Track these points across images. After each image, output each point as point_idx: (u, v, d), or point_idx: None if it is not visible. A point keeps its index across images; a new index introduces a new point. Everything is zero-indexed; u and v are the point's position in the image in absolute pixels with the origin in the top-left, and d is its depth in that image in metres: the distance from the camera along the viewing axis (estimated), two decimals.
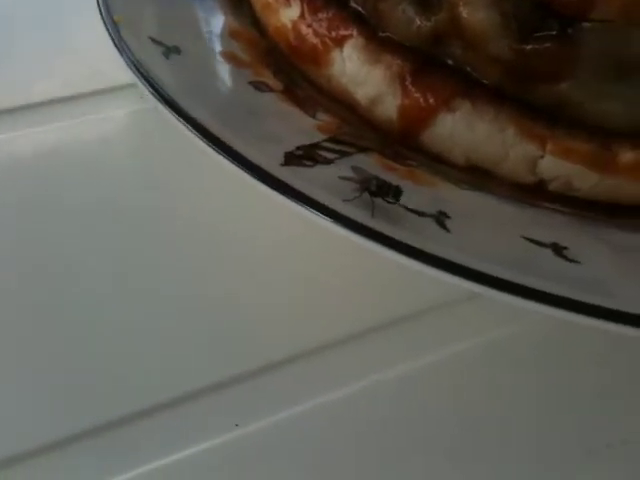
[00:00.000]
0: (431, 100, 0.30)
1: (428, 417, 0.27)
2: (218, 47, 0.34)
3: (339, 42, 0.32)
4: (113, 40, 0.32)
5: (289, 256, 0.31)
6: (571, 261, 0.25)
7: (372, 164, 0.29)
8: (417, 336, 0.29)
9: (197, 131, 0.27)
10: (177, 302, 0.30)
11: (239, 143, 0.27)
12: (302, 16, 0.34)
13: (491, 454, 0.26)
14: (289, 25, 0.34)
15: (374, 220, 0.25)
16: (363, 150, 0.29)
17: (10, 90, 0.38)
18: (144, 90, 0.29)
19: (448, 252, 0.24)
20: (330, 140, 0.29)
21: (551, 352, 0.29)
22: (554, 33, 0.28)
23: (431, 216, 0.26)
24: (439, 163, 0.31)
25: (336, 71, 0.32)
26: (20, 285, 0.30)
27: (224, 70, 0.32)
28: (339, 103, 0.33)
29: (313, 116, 0.31)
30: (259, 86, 0.32)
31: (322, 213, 0.24)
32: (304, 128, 0.30)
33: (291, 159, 0.27)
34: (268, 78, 0.33)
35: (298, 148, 0.28)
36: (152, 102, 0.29)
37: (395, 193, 0.26)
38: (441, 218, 0.26)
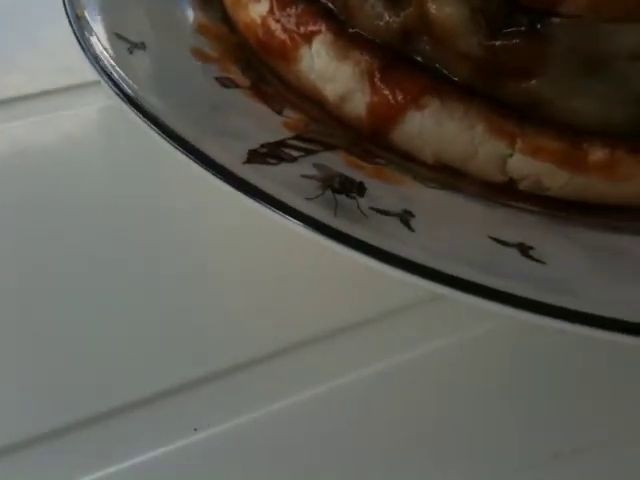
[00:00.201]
0: (400, 97, 0.30)
1: (393, 419, 0.26)
2: (185, 43, 0.33)
3: (307, 38, 0.32)
4: (76, 36, 0.31)
5: (253, 256, 0.31)
6: (537, 261, 0.24)
7: (338, 162, 0.28)
8: (380, 339, 0.28)
9: (158, 128, 0.27)
10: (137, 301, 0.29)
11: (201, 140, 0.27)
12: (271, 11, 0.33)
13: (455, 456, 0.26)
14: (258, 21, 0.33)
15: (336, 219, 0.24)
16: (330, 148, 0.29)
17: None
18: (106, 87, 0.29)
19: (410, 252, 0.23)
20: (296, 138, 0.29)
21: (517, 354, 0.28)
22: (523, 29, 0.27)
23: (396, 215, 0.25)
24: (409, 161, 0.30)
25: (305, 67, 0.32)
26: None
27: (190, 66, 0.32)
28: (308, 100, 0.32)
29: (280, 113, 0.31)
30: (225, 82, 0.31)
31: (282, 212, 0.24)
32: (270, 125, 0.30)
33: (254, 157, 0.27)
34: (235, 74, 0.32)
35: (262, 146, 0.27)
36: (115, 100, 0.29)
37: (359, 189, 0.26)
38: (405, 217, 0.25)
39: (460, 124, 0.29)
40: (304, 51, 0.32)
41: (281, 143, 0.28)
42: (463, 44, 0.28)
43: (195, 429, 0.26)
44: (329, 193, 0.25)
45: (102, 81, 0.29)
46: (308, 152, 0.28)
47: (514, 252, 0.24)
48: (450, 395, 0.27)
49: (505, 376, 0.28)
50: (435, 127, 0.29)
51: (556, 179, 0.29)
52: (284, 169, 0.27)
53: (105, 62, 0.29)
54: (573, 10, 0.26)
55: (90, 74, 0.29)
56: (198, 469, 0.25)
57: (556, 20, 0.27)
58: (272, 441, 0.25)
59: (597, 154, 0.28)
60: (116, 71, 0.29)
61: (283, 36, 0.33)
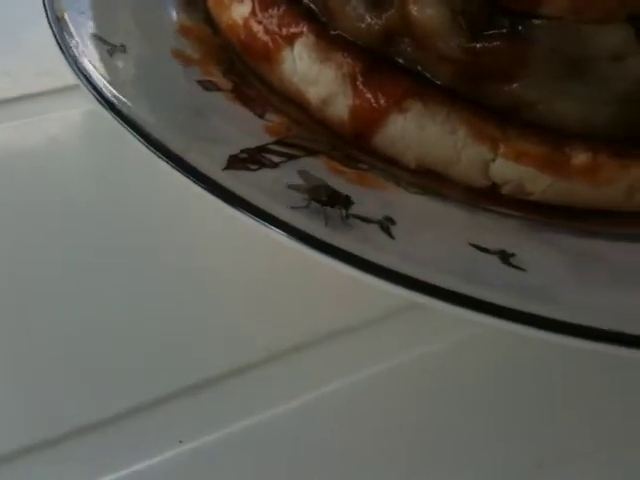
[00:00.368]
0: (382, 101, 0.29)
1: (377, 427, 0.26)
2: (167, 45, 0.33)
3: (290, 40, 0.31)
4: (56, 38, 0.31)
5: (234, 264, 0.31)
6: (517, 268, 0.24)
7: (319, 167, 0.28)
8: (362, 347, 0.28)
9: (136, 133, 0.26)
10: (120, 312, 0.29)
11: (181, 146, 0.26)
12: (253, 13, 0.33)
13: (438, 465, 0.26)
14: (240, 22, 0.33)
15: (314, 226, 0.24)
16: (311, 153, 0.29)
17: None
18: (85, 91, 0.29)
19: (390, 260, 0.23)
20: (278, 143, 0.29)
21: (500, 361, 0.28)
22: (504, 31, 0.27)
23: (376, 222, 0.25)
24: (392, 165, 0.30)
25: (287, 70, 0.32)
26: None
27: (171, 68, 0.31)
28: (292, 102, 0.32)
29: (262, 117, 0.30)
30: (207, 85, 0.31)
31: (261, 219, 0.24)
32: (252, 129, 0.29)
33: (234, 162, 0.26)
34: (217, 77, 0.32)
35: (243, 151, 0.27)
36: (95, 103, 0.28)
37: (345, 203, 0.25)
38: (386, 224, 0.25)
39: (442, 128, 0.29)
40: (286, 53, 0.32)
41: (262, 148, 0.28)
42: (444, 46, 0.28)
43: (180, 441, 0.25)
44: (314, 204, 0.25)
45: (81, 85, 0.28)
46: (290, 157, 0.28)
47: (495, 259, 0.24)
48: (433, 403, 0.27)
49: (488, 384, 0.28)
50: (417, 131, 0.29)
51: (539, 183, 0.28)
52: (264, 175, 0.26)
53: (84, 65, 0.29)
54: (554, 12, 0.26)
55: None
56: None
57: (537, 22, 0.27)
58: (256, 452, 0.25)
59: (579, 158, 0.28)
60: (95, 75, 0.29)
61: (265, 38, 0.32)
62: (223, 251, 0.31)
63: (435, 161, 0.29)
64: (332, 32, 0.31)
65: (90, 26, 0.32)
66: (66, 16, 0.32)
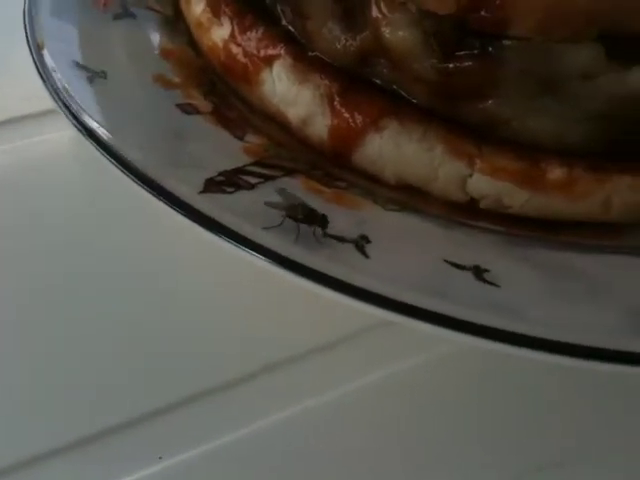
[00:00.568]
0: (359, 120, 0.30)
1: (355, 443, 0.27)
2: (148, 69, 0.33)
3: (268, 61, 0.32)
4: (36, 65, 0.31)
5: (203, 283, 0.31)
6: (491, 284, 0.24)
7: (297, 187, 0.28)
8: (337, 364, 0.28)
9: (114, 160, 0.27)
10: (99, 330, 0.29)
11: (157, 170, 0.27)
12: (232, 35, 0.33)
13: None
14: (220, 44, 0.34)
15: (293, 246, 0.24)
16: (289, 173, 0.29)
17: None
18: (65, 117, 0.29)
19: (363, 280, 0.23)
20: (255, 164, 0.29)
21: (473, 376, 0.28)
22: (475, 52, 0.27)
23: (351, 241, 0.25)
24: (373, 182, 0.30)
25: (267, 91, 0.32)
26: None
27: (152, 93, 0.32)
28: (273, 122, 0.32)
29: (241, 138, 0.31)
30: (186, 108, 0.31)
31: (231, 240, 0.24)
32: (230, 151, 0.30)
33: (211, 186, 0.27)
34: (197, 99, 0.32)
35: (220, 174, 0.27)
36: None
37: (322, 222, 0.26)
38: (361, 243, 0.25)
39: (419, 146, 0.29)
40: (265, 75, 0.32)
41: (239, 170, 0.28)
42: (418, 67, 0.28)
43: (160, 457, 0.25)
44: (288, 221, 0.25)
45: (59, 112, 0.29)
46: (267, 178, 0.28)
47: (469, 276, 0.25)
48: (412, 417, 0.27)
49: (465, 397, 0.28)
50: (394, 149, 0.29)
51: (516, 198, 0.29)
52: (241, 197, 0.27)
53: (64, 93, 0.29)
54: (522, 32, 0.26)
55: None
56: None
57: (507, 42, 0.27)
58: (237, 468, 0.26)
59: (555, 173, 0.28)
60: (75, 102, 0.29)
61: (244, 60, 0.33)
62: (197, 270, 0.31)
63: (414, 178, 0.30)
64: (310, 54, 0.31)
65: (71, 53, 0.32)
66: (47, 43, 0.32)
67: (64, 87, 0.30)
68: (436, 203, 0.30)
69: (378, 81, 0.30)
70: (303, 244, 0.25)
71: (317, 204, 0.27)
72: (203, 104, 0.32)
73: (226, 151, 0.29)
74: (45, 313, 0.30)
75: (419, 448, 0.26)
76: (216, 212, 0.25)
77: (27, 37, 0.32)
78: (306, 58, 0.31)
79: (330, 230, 0.25)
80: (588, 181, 0.28)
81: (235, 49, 0.33)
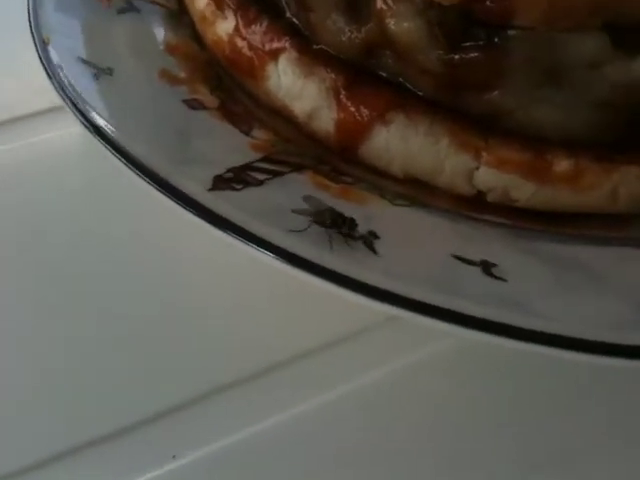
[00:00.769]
0: (365, 113, 0.30)
1: (357, 444, 0.27)
2: (154, 65, 0.33)
3: (274, 55, 0.32)
4: (42, 62, 0.31)
5: (202, 284, 0.31)
6: (498, 279, 0.24)
7: (305, 183, 0.28)
8: (337, 364, 0.28)
9: (121, 156, 0.27)
10: (106, 331, 0.29)
11: (165, 168, 0.27)
12: (237, 29, 0.33)
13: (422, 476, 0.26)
14: (225, 38, 0.33)
15: (294, 241, 0.24)
16: (297, 169, 0.29)
17: None
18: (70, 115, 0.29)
19: (373, 276, 0.23)
20: (263, 160, 0.29)
21: (480, 370, 0.28)
22: (481, 42, 0.27)
23: (360, 238, 0.25)
24: (381, 176, 0.30)
25: (273, 85, 0.32)
26: None
27: (158, 89, 0.32)
28: (279, 116, 0.32)
29: (248, 133, 0.31)
30: (193, 104, 0.31)
31: (239, 236, 0.24)
32: (238, 147, 0.30)
33: (219, 183, 0.27)
34: (203, 95, 0.32)
35: (228, 170, 0.28)
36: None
37: (350, 225, 0.26)
38: (369, 239, 0.25)
39: (425, 139, 0.29)
40: (271, 69, 0.32)
41: (247, 166, 0.28)
42: (423, 58, 0.28)
43: (174, 456, 0.26)
44: (295, 217, 0.25)
45: (66, 109, 0.29)
46: (275, 174, 0.28)
47: (477, 271, 0.25)
48: (421, 412, 0.27)
49: (472, 392, 0.28)
50: (401, 142, 0.29)
51: (523, 190, 0.29)
52: (249, 193, 0.27)
53: (70, 89, 0.29)
54: (527, 23, 0.26)
55: None
56: None
57: (512, 33, 0.27)
58: (247, 466, 0.26)
59: (562, 164, 0.28)
60: (81, 99, 0.29)
61: (249, 54, 0.32)
62: (200, 268, 0.31)
63: (420, 171, 0.30)
64: (315, 46, 0.31)
65: (77, 49, 0.32)
66: (52, 39, 0.32)
67: (70, 84, 0.30)
68: (443, 197, 0.30)
69: (384, 74, 0.30)
70: (310, 240, 0.25)
71: (325, 200, 0.27)
72: (209, 99, 0.32)
73: (233, 147, 0.29)
74: (49, 312, 0.30)
75: (421, 446, 0.27)
76: (225, 209, 0.25)
77: (32, 33, 0.32)
78: (311, 51, 0.31)
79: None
80: (595, 172, 0.28)
81: (240, 43, 0.33)
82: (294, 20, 0.32)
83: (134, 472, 0.26)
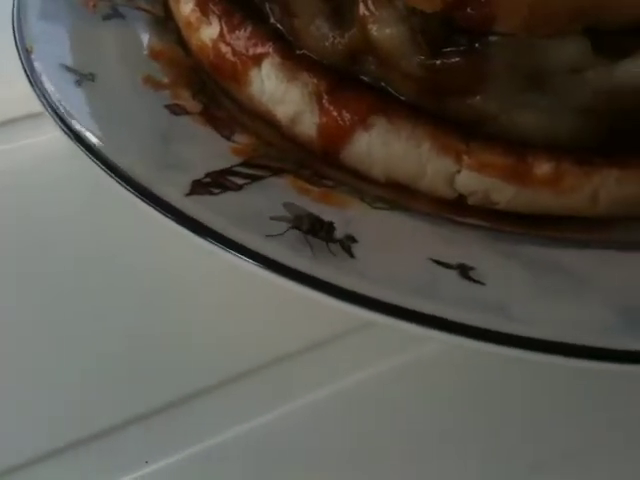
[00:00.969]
0: (347, 118, 0.30)
1: (335, 448, 0.27)
2: (137, 70, 0.33)
3: (257, 60, 0.32)
4: (24, 68, 0.31)
5: (191, 283, 0.31)
6: (476, 282, 0.24)
7: (284, 187, 0.28)
8: (313, 369, 0.28)
9: (100, 163, 0.27)
10: (83, 334, 0.29)
11: (145, 173, 0.27)
12: (221, 34, 0.33)
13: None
14: (209, 44, 0.34)
15: (271, 246, 0.24)
16: (276, 173, 0.29)
17: None
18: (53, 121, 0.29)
19: (349, 280, 0.23)
20: (243, 164, 0.29)
21: (465, 375, 0.28)
22: (462, 48, 0.27)
23: (337, 241, 0.25)
24: (362, 180, 0.30)
25: (256, 90, 0.32)
26: None
27: (140, 95, 0.32)
28: (263, 121, 0.32)
29: (229, 138, 0.31)
30: (175, 109, 0.31)
31: (215, 241, 0.24)
32: (218, 152, 0.30)
33: (197, 187, 0.27)
34: (186, 100, 0.32)
35: (207, 175, 0.28)
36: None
37: (328, 229, 0.26)
38: (347, 243, 0.25)
39: (407, 143, 0.29)
40: (254, 74, 0.32)
41: (226, 171, 0.28)
42: (405, 64, 0.28)
43: (146, 462, 0.26)
44: (273, 223, 0.25)
45: (47, 115, 0.29)
46: (254, 178, 0.28)
47: (454, 274, 0.25)
48: (405, 415, 0.27)
49: (451, 396, 0.28)
50: (383, 147, 0.29)
51: (504, 193, 0.29)
52: (228, 198, 0.27)
53: (51, 96, 0.30)
54: (507, 29, 0.26)
55: None
56: None
57: (493, 38, 0.27)
58: (222, 470, 0.26)
59: (543, 167, 0.28)
60: (62, 105, 0.29)
61: (233, 59, 0.33)
62: (188, 270, 0.31)
63: (402, 175, 0.30)
64: (298, 52, 0.31)
65: (61, 56, 0.32)
66: (35, 47, 0.32)
67: (52, 91, 0.30)
68: (424, 200, 0.30)
69: (366, 78, 0.30)
70: (287, 245, 0.25)
71: (305, 204, 0.27)
72: (192, 104, 0.32)
73: (214, 152, 0.29)
74: (40, 313, 0.30)
75: (412, 448, 0.27)
76: (201, 214, 0.25)
77: (16, 41, 0.32)
78: (294, 56, 0.31)
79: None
80: (575, 175, 0.28)
81: (224, 48, 0.33)
82: (278, 26, 0.33)
83: (107, 477, 0.25)
